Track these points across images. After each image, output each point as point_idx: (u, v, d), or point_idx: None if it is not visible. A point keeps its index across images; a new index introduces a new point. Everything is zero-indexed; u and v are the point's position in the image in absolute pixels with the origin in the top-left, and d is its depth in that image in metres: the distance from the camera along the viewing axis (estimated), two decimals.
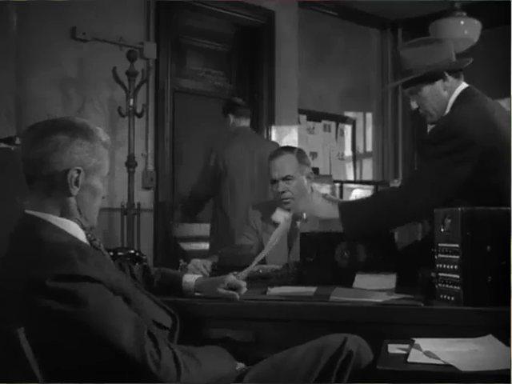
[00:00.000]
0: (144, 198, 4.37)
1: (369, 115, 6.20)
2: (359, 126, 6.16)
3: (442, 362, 1.44)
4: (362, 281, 2.14)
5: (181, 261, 2.54)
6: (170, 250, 4.59)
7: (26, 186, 1.65)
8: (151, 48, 4.49)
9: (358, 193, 5.45)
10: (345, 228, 2.24)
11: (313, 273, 2.30)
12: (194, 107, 4.65)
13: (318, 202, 2.31)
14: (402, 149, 6.22)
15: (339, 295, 1.94)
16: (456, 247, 1.77)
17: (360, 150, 6.14)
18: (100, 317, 1.47)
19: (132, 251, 2.73)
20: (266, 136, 5.14)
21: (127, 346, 1.47)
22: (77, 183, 1.61)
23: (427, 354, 1.50)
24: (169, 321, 1.77)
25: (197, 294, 2.02)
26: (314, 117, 5.78)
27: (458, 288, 1.77)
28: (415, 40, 2.38)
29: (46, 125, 1.64)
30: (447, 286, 1.82)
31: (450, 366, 1.42)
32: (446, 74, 2.30)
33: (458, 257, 1.77)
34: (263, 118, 5.18)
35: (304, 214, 2.27)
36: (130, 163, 4.07)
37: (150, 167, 4.51)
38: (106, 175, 1.70)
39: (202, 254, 3.83)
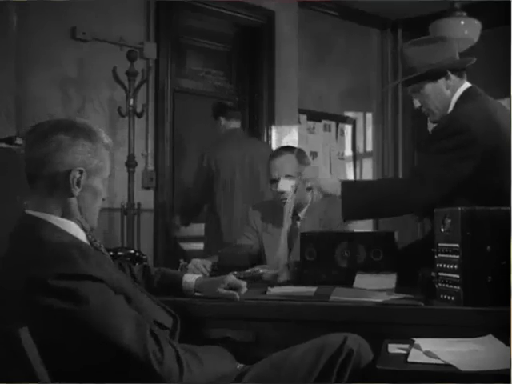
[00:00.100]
0: (144, 197, 4.37)
1: (369, 115, 6.20)
2: (359, 125, 6.15)
3: (442, 362, 1.44)
4: (362, 281, 2.14)
5: (181, 261, 2.54)
6: (170, 250, 4.59)
7: (26, 186, 1.65)
8: (151, 48, 4.48)
9: None
10: (343, 208, 2.24)
11: (313, 273, 2.30)
12: (193, 107, 4.65)
13: (325, 176, 2.31)
14: (402, 149, 6.22)
15: (339, 295, 1.94)
16: (456, 247, 1.78)
17: (360, 149, 6.14)
18: (101, 315, 1.48)
19: (132, 251, 2.74)
20: (265, 136, 5.15)
21: (129, 345, 1.47)
22: (78, 184, 1.62)
23: (427, 353, 1.50)
24: (169, 321, 1.77)
25: (197, 293, 2.02)
26: (314, 117, 5.78)
27: (458, 288, 1.77)
28: (419, 39, 2.40)
29: (48, 125, 1.64)
30: (447, 285, 1.82)
31: (450, 365, 1.42)
32: (449, 73, 2.31)
33: (458, 257, 1.77)
34: (263, 118, 5.18)
35: (309, 183, 2.26)
36: (130, 163, 4.07)
37: (150, 167, 4.51)
38: (107, 177, 1.71)
39: (202, 254, 3.85)
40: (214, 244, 4.12)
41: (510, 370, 1.36)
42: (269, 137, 5.17)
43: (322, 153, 5.86)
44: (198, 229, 4.54)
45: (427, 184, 2.18)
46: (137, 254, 2.72)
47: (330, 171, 5.81)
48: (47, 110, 3.89)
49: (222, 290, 1.97)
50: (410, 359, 1.48)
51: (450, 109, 2.32)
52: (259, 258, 2.89)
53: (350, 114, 6.07)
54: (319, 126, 5.85)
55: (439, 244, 1.86)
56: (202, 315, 1.96)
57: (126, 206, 4.09)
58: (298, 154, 2.95)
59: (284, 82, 5.25)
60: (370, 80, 6.19)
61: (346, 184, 2.28)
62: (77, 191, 1.62)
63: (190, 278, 2.03)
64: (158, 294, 1.87)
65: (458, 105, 2.31)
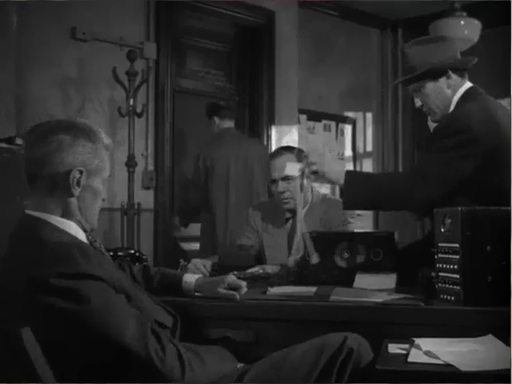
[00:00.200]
0: (144, 197, 4.37)
1: (369, 115, 6.20)
2: (359, 125, 6.15)
3: (442, 362, 1.44)
4: (362, 281, 2.14)
5: (181, 261, 2.54)
6: (170, 250, 4.59)
7: (26, 186, 1.65)
8: (151, 48, 4.48)
9: None
10: (344, 197, 2.26)
11: (313, 273, 2.30)
12: (193, 107, 4.65)
13: (332, 162, 2.32)
14: (402, 148, 6.22)
15: (339, 295, 1.94)
16: (456, 247, 1.77)
17: (360, 149, 6.14)
18: (103, 315, 1.48)
19: (132, 251, 2.73)
20: (265, 136, 5.15)
21: (131, 344, 1.48)
22: (78, 184, 1.62)
23: (427, 353, 1.50)
24: (170, 320, 1.77)
25: (197, 293, 2.02)
26: (314, 116, 5.78)
27: (458, 288, 1.77)
28: (420, 38, 2.42)
29: (49, 125, 1.65)
30: (447, 285, 1.82)
31: (450, 365, 1.42)
32: (450, 72, 2.32)
33: (458, 257, 1.77)
34: (263, 118, 5.18)
35: (314, 167, 2.26)
36: (130, 163, 4.07)
37: (150, 167, 4.51)
38: (106, 177, 1.71)
39: (199, 254, 3.87)
40: (209, 244, 4.16)
41: (509, 369, 1.36)
42: (269, 137, 5.17)
43: (322, 153, 5.85)
44: (198, 229, 4.55)
45: (428, 182, 2.18)
46: (137, 254, 2.72)
47: None
48: (47, 110, 3.89)
49: (222, 290, 1.97)
50: (410, 359, 1.48)
51: (451, 108, 2.33)
52: (259, 258, 2.89)
53: (350, 114, 6.07)
54: (319, 125, 5.85)
55: (439, 244, 1.86)
56: (202, 315, 1.96)
57: (125, 206, 4.09)
58: (298, 154, 2.95)
59: (284, 82, 5.25)
60: (370, 80, 6.19)
61: (349, 174, 2.29)
62: (77, 191, 1.62)
63: (190, 278, 2.03)
64: (158, 294, 1.87)
65: (460, 104, 2.31)
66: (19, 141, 3.10)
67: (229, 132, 4.30)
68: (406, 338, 1.62)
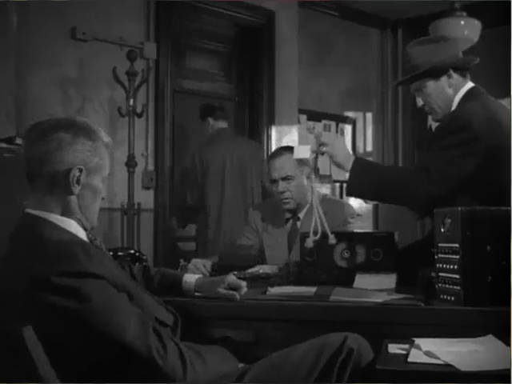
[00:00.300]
0: (144, 197, 4.37)
1: (369, 115, 6.20)
2: (359, 125, 6.15)
3: (442, 362, 1.44)
4: (362, 281, 2.14)
5: (181, 261, 2.54)
6: (170, 250, 4.59)
7: (26, 186, 1.65)
8: (151, 48, 4.48)
9: None
10: (349, 184, 2.27)
11: (313, 273, 2.30)
12: (193, 107, 4.65)
13: (342, 147, 2.31)
14: (402, 148, 6.22)
15: (339, 295, 1.94)
16: (456, 247, 1.77)
17: (360, 149, 6.14)
18: (104, 313, 1.48)
19: (132, 251, 2.73)
20: (265, 136, 5.16)
21: (133, 342, 1.48)
22: (78, 182, 1.62)
23: (427, 353, 1.50)
24: (170, 318, 1.77)
25: (197, 293, 2.02)
26: (314, 116, 5.78)
27: (458, 288, 1.77)
28: (422, 38, 2.44)
29: (48, 123, 1.65)
30: (447, 285, 1.82)
31: (450, 365, 1.42)
32: (451, 71, 2.33)
33: (458, 257, 1.77)
34: (263, 118, 5.18)
35: (324, 148, 2.26)
36: (130, 163, 4.07)
37: (150, 167, 4.51)
38: (106, 176, 1.71)
39: (195, 255, 3.87)
40: (205, 244, 4.18)
41: (509, 370, 1.36)
42: (269, 137, 5.17)
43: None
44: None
45: (431, 180, 2.18)
46: (137, 254, 2.71)
47: (330, 171, 5.82)
48: (47, 109, 3.88)
49: (222, 290, 1.97)
50: (410, 359, 1.48)
51: (453, 108, 2.34)
52: (259, 259, 2.88)
53: (350, 114, 6.07)
54: (319, 126, 5.84)
55: (439, 244, 1.86)
56: (201, 315, 1.96)
57: (126, 206, 4.09)
58: None
59: (284, 82, 5.25)
60: (370, 80, 6.19)
61: (358, 161, 2.28)
62: (76, 189, 1.62)
63: (190, 278, 2.03)
64: (158, 294, 1.87)
65: (461, 104, 2.32)
66: (19, 141, 3.10)
67: (223, 132, 4.35)
68: (406, 337, 1.62)
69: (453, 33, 4.71)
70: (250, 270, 2.45)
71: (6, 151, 3.11)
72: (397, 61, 6.10)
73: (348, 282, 2.15)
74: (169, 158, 4.62)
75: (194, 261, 2.56)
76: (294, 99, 5.36)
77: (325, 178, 5.35)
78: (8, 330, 1.37)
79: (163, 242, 4.56)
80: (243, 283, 2.00)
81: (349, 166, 2.25)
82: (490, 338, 1.62)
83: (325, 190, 4.90)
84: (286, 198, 2.86)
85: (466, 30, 4.91)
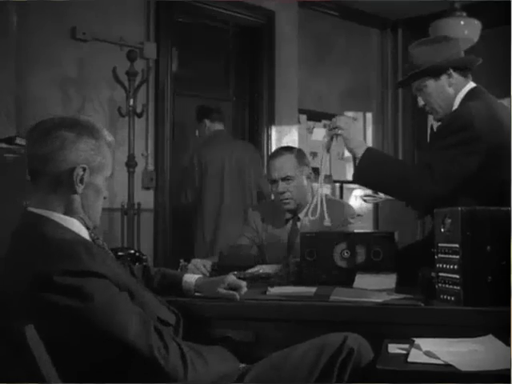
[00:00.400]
0: (144, 197, 4.37)
1: (369, 115, 6.20)
2: (359, 125, 6.15)
3: (442, 362, 1.44)
4: (362, 281, 2.14)
5: (181, 261, 2.54)
6: (170, 250, 4.59)
7: (26, 186, 1.65)
8: (151, 48, 4.49)
9: (358, 193, 5.44)
10: (356, 172, 2.32)
11: (313, 273, 2.30)
12: (193, 107, 4.65)
13: (357, 133, 2.35)
14: (402, 148, 6.22)
15: (339, 295, 1.94)
16: (456, 247, 1.77)
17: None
18: (106, 312, 1.48)
19: (132, 251, 2.74)
20: (265, 136, 5.16)
21: (135, 341, 1.48)
22: (82, 181, 1.62)
23: (427, 353, 1.50)
24: (173, 318, 1.77)
25: (197, 294, 2.02)
26: (314, 116, 5.78)
27: (458, 288, 1.77)
28: (425, 39, 2.45)
29: (52, 122, 1.64)
30: (447, 285, 1.82)
31: (450, 365, 1.42)
32: (451, 71, 2.33)
33: (458, 257, 1.77)
34: (263, 118, 5.19)
35: (339, 131, 2.29)
36: (130, 163, 4.07)
37: (150, 167, 4.51)
38: (109, 175, 1.71)
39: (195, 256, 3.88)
40: (205, 245, 4.19)
41: (509, 370, 1.36)
42: (269, 137, 5.17)
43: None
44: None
45: (434, 178, 2.18)
46: (137, 254, 2.72)
47: (330, 171, 5.82)
48: (47, 109, 3.88)
49: (222, 290, 1.97)
50: (410, 359, 1.48)
51: (455, 107, 2.34)
52: (259, 259, 2.89)
53: (350, 114, 6.06)
54: (319, 125, 5.84)
55: (439, 244, 1.86)
56: (202, 315, 1.96)
57: (126, 206, 4.09)
58: (298, 154, 2.95)
59: (284, 82, 5.25)
60: (370, 80, 6.19)
61: (369, 150, 2.32)
62: (80, 188, 1.62)
63: (190, 278, 2.03)
64: (158, 294, 1.86)
65: (463, 104, 2.33)
66: (19, 141, 3.10)
67: (220, 134, 4.38)
68: (406, 337, 1.62)
69: (453, 33, 4.71)
70: (250, 270, 2.45)
71: (6, 151, 3.11)
72: (397, 61, 6.10)
73: (348, 282, 2.15)
74: (169, 158, 4.62)
75: (194, 261, 2.56)
76: (294, 99, 5.36)
77: (325, 178, 5.34)
78: (10, 329, 1.37)
79: (163, 242, 4.56)
80: (243, 283, 2.00)
81: (360, 152, 2.29)
82: (490, 338, 1.62)
83: (325, 190, 4.90)
84: (286, 199, 2.86)
85: (466, 30, 4.91)
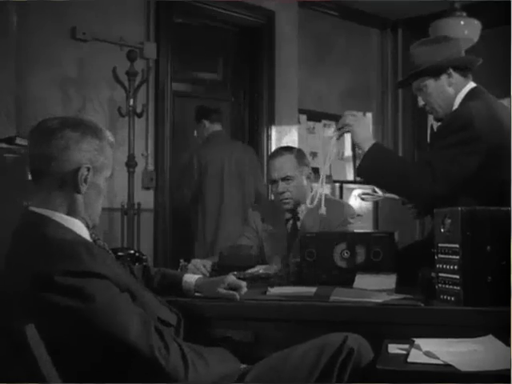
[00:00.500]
0: (144, 197, 4.37)
1: (369, 115, 6.20)
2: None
3: (441, 362, 1.44)
4: (362, 281, 2.14)
5: (181, 261, 2.54)
6: (170, 250, 4.59)
7: (27, 186, 1.65)
8: (151, 48, 4.49)
9: (358, 193, 5.44)
10: (361, 166, 2.32)
11: (313, 273, 2.30)
12: (193, 107, 4.65)
13: (366, 128, 2.35)
14: (402, 148, 6.21)
15: (339, 295, 1.94)
16: (456, 247, 1.77)
17: (360, 149, 6.14)
18: (107, 313, 1.48)
19: (132, 251, 2.74)
20: (265, 136, 5.16)
21: (136, 342, 1.47)
22: (86, 181, 1.62)
23: (427, 353, 1.50)
24: (174, 319, 1.77)
25: (197, 294, 2.02)
26: (314, 117, 5.78)
27: (458, 288, 1.77)
28: (425, 39, 2.46)
29: (55, 122, 1.64)
30: (447, 286, 1.82)
31: (450, 365, 1.42)
32: (451, 70, 2.34)
33: (457, 257, 1.77)
34: (263, 118, 5.19)
35: (349, 121, 2.30)
36: (130, 163, 4.07)
37: (150, 167, 4.52)
38: (109, 176, 1.71)
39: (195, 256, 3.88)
40: (205, 245, 4.20)
41: (509, 370, 1.36)
42: (269, 137, 5.17)
43: (322, 153, 5.85)
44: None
45: (434, 178, 2.19)
46: (137, 254, 2.72)
47: (330, 171, 5.82)
48: (47, 109, 3.88)
49: (222, 290, 1.97)
50: (410, 359, 1.48)
51: (455, 107, 2.34)
52: (259, 259, 2.89)
53: None
54: (319, 126, 5.84)
55: (439, 244, 1.86)
56: (202, 315, 1.96)
57: (126, 206, 4.09)
58: (298, 154, 2.95)
59: (284, 82, 5.25)
60: (370, 80, 6.19)
61: (376, 145, 2.32)
62: (84, 188, 1.62)
63: (190, 278, 2.03)
64: (158, 294, 1.86)
65: (463, 103, 2.33)
66: (19, 141, 3.10)
67: (219, 135, 4.39)
68: (406, 338, 1.62)
69: (453, 33, 4.71)
70: (250, 271, 2.45)
71: (6, 151, 3.11)
72: (397, 61, 6.10)
73: (348, 282, 2.15)
74: (169, 158, 4.62)
75: (194, 261, 2.56)
76: (293, 99, 5.36)
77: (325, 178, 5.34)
78: (10, 329, 1.37)
79: (163, 242, 4.56)
80: (243, 283, 2.00)
81: (366, 147, 2.29)
82: (490, 338, 1.62)
83: (325, 190, 4.90)
84: (286, 199, 2.86)
85: (466, 30, 4.91)
